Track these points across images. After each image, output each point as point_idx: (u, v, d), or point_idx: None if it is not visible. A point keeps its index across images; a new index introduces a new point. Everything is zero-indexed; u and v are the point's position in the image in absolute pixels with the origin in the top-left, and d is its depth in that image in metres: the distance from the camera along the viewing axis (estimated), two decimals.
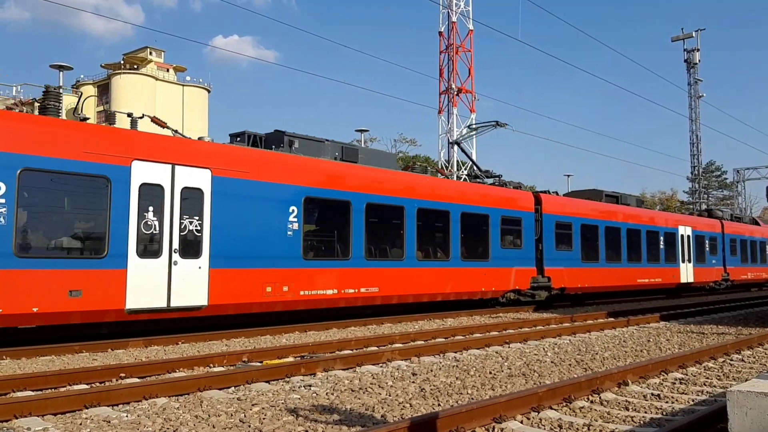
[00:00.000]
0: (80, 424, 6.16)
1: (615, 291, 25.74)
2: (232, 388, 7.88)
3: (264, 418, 6.34)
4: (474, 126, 34.45)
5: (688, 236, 30.19)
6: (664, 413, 6.67)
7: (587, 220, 24.00)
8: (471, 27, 42.80)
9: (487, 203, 19.81)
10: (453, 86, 42.67)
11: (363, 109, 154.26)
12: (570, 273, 22.76)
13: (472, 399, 7.30)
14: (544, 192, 23.48)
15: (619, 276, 25.14)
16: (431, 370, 9.08)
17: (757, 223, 40.52)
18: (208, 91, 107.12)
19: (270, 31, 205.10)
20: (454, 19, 42.32)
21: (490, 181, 22.50)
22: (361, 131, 36.95)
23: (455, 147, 42.41)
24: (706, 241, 31.98)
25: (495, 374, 8.88)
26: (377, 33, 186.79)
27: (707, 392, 7.74)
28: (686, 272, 29.58)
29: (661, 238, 28.09)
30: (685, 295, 30.80)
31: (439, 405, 6.98)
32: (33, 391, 7.62)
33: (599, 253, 24.31)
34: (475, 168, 23.16)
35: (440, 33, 43.32)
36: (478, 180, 23.20)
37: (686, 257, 29.65)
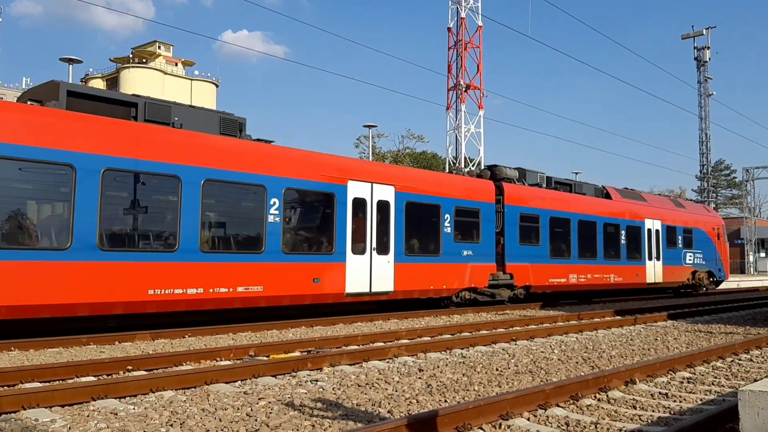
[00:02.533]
0: (87, 416, 6.18)
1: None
2: (239, 381, 7.88)
3: (270, 413, 6.34)
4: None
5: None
6: (672, 412, 6.63)
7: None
8: (480, 23, 42.69)
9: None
10: (461, 82, 42.60)
11: (371, 105, 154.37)
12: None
13: (479, 396, 7.28)
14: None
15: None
16: (438, 367, 9.07)
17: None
18: (217, 86, 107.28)
19: (280, 27, 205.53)
20: (463, 15, 42.22)
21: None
22: (369, 127, 36.89)
23: (463, 143, 42.40)
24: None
25: (502, 371, 8.86)
26: (386, 29, 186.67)
27: (716, 392, 7.70)
28: (653, 271, 27.04)
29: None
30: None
31: (445, 401, 6.96)
32: (41, 382, 7.65)
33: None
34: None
35: (449, 29, 43.24)
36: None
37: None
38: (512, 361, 9.74)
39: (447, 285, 18.07)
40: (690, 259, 29.48)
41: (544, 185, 23.29)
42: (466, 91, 42.80)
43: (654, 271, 26.70)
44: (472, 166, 45.45)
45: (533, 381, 8.24)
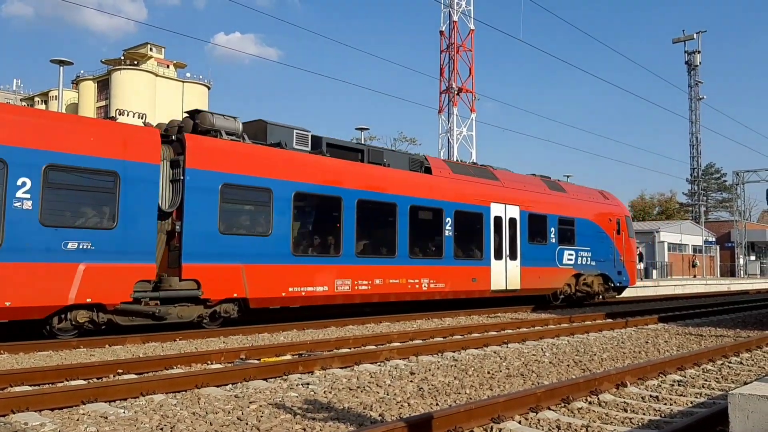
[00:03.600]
0: (77, 419, 6.14)
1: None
2: (230, 385, 7.85)
3: (261, 416, 6.32)
4: None
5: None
6: (663, 415, 6.65)
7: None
8: (472, 26, 42.83)
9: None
10: (453, 85, 42.68)
11: (364, 108, 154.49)
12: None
13: (471, 399, 7.28)
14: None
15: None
16: (429, 370, 9.07)
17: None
18: (209, 88, 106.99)
19: (272, 29, 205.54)
20: (455, 18, 42.32)
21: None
22: (362, 129, 36.91)
23: (455, 146, 42.44)
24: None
25: (493, 374, 8.87)
26: (379, 32, 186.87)
27: (706, 395, 7.73)
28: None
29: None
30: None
31: (437, 404, 6.96)
32: (30, 386, 7.60)
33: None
34: None
35: (441, 32, 43.34)
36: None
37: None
38: (504, 364, 9.75)
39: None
40: (570, 259, 22.54)
41: (306, 148, 15.90)
42: (458, 94, 42.88)
43: (505, 275, 19.96)
44: None
45: (525, 384, 8.24)
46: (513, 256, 20.34)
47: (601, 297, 24.91)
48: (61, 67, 20.24)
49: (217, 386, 7.73)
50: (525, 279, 20.68)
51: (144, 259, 12.16)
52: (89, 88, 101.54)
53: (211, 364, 9.43)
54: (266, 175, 14.20)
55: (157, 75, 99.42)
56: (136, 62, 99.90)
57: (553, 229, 21.98)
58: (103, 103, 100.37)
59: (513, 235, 20.48)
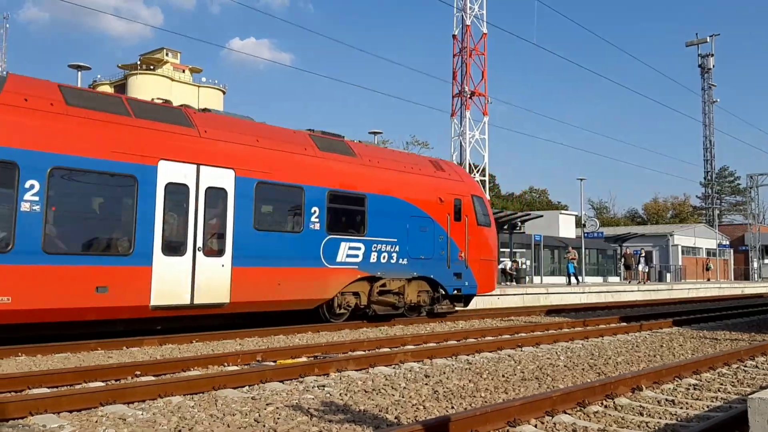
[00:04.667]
0: (96, 421, 6.21)
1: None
2: (247, 387, 7.91)
3: (278, 418, 6.37)
4: None
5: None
6: (679, 419, 6.64)
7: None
8: (485, 30, 42.82)
9: None
10: (466, 89, 42.72)
11: (376, 112, 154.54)
12: None
13: (486, 402, 7.30)
14: None
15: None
16: (444, 373, 9.09)
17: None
18: (224, 93, 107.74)
19: (286, 34, 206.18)
20: (468, 22, 42.35)
21: None
22: (375, 133, 36.93)
23: (468, 149, 42.45)
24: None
25: (508, 377, 8.87)
26: (391, 36, 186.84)
27: (722, 398, 7.70)
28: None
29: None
30: None
31: (452, 407, 6.98)
32: (49, 388, 7.68)
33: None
34: None
35: (454, 36, 43.38)
36: None
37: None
38: (518, 367, 9.75)
39: None
40: (354, 255, 15.20)
41: None
42: (470, 97, 42.93)
43: (191, 281, 12.40)
44: (477, 171, 45.52)
45: (540, 388, 8.25)
46: (215, 250, 12.79)
47: (423, 312, 17.23)
48: (79, 72, 20.45)
49: (234, 388, 7.79)
50: (241, 286, 12.94)
51: None
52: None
53: (228, 366, 9.49)
54: None
55: (173, 80, 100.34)
56: (152, 67, 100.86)
57: (316, 208, 14.33)
58: None
59: (217, 216, 13.00)
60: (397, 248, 16.15)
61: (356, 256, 15.29)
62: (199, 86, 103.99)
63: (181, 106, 14.00)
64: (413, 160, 17.89)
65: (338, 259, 14.92)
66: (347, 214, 15.45)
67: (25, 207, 10.46)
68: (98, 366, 8.72)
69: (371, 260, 15.59)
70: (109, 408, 6.67)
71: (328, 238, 14.71)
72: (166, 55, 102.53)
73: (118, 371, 8.47)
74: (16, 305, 10.30)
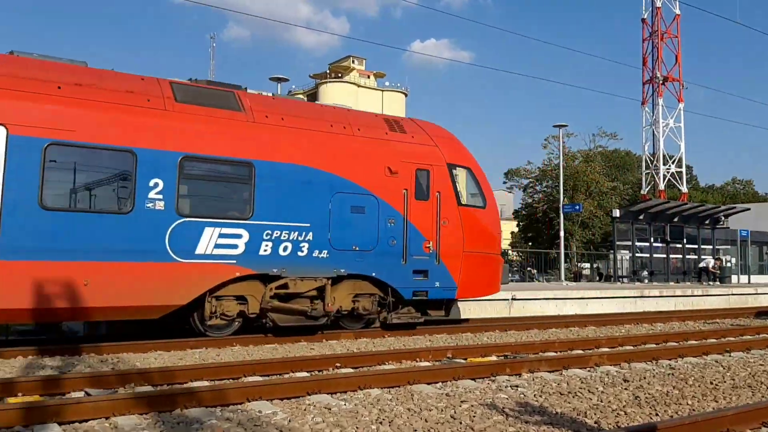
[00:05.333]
0: (304, 409, 6.65)
1: None
2: (440, 383, 8.05)
3: (474, 416, 6.42)
4: None
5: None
6: None
7: None
8: (677, 11, 40.03)
9: None
10: (658, 75, 40.22)
11: (560, 105, 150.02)
12: None
13: (693, 410, 6.84)
14: None
15: None
16: (644, 377, 8.63)
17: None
18: (405, 95, 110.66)
19: (466, 33, 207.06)
20: (658, 4, 39.82)
21: None
22: (560, 126, 35.92)
23: (661, 138, 39.88)
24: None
25: (717, 385, 8.24)
26: (573, 25, 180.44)
27: None
28: None
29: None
30: None
31: (656, 415, 6.62)
32: (261, 376, 8.36)
33: None
34: None
35: (643, 20, 41.02)
36: None
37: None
38: (727, 374, 9.01)
39: None
40: (229, 245, 11.05)
41: None
42: (663, 83, 40.38)
43: None
44: (672, 162, 42.56)
45: (753, 396, 7.58)
46: None
47: (376, 322, 13.24)
48: (279, 84, 22.03)
49: (428, 383, 7.96)
50: (13, 288, 9.34)
51: None
52: None
53: (420, 361, 9.73)
54: None
55: (358, 86, 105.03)
56: (340, 75, 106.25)
57: (157, 180, 10.46)
58: None
59: None
60: (309, 236, 11.72)
61: (234, 246, 11.06)
62: (383, 90, 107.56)
63: None
64: (347, 118, 12.90)
65: (199, 251, 10.74)
66: (219, 189, 11.58)
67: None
68: (303, 357, 9.36)
69: (261, 252, 11.29)
70: (315, 397, 7.11)
71: (179, 221, 10.60)
72: (353, 62, 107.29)
73: (321, 362, 9.00)
74: None
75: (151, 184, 10.42)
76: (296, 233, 11.62)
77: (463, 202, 13.49)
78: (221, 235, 10.94)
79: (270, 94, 12.75)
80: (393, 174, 12.63)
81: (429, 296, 12.98)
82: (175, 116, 10.81)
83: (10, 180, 9.39)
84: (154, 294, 10.42)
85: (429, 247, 12.92)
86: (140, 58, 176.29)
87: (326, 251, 11.93)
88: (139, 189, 10.32)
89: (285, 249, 11.52)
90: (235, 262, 11.05)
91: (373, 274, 12.40)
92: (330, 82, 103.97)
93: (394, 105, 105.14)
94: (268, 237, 11.36)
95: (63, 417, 5.91)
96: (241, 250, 11.11)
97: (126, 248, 10.13)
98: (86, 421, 5.98)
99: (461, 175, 13.78)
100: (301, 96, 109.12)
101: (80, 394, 7.17)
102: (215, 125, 11.09)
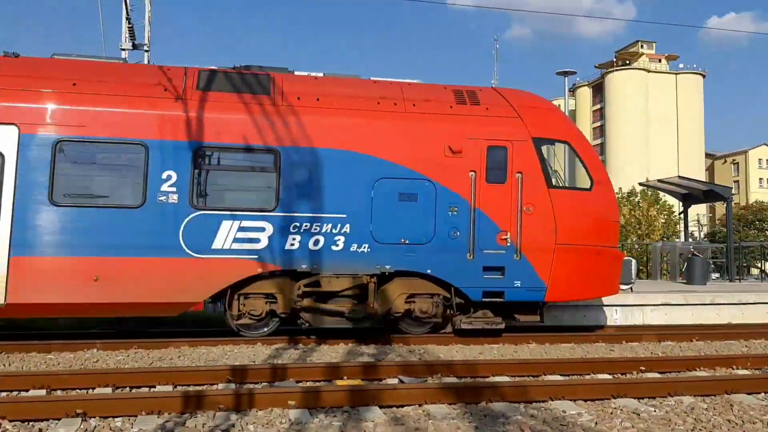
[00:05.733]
0: (611, 413, 6.43)
1: None
2: (762, 394, 7.24)
3: None
4: None
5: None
6: None
7: None
8: None
9: None
10: None
11: None
12: None
13: None
14: None
15: None
16: None
17: None
18: (703, 77, 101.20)
19: None
20: None
21: None
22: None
23: None
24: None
25: None
26: None
27: None
28: None
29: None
30: None
31: None
32: (560, 375, 8.29)
33: None
34: None
35: None
36: None
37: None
38: None
39: None
40: (250, 239, 10.28)
41: None
42: None
43: None
44: None
45: None
46: None
47: (446, 326, 11.75)
48: (566, 78, 21.65)
49: (749, 393, 7.21)
50: (24, 283, 9.55)
51: None
52: (585, 94, 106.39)
53: (737, 369, 8.85)
54: None
55: (648, 71, 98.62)
56: (627, 62, 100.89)
57: (171, 172, 10.14)
58: (597, 106, 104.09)
59: None
60: (345, 228, 10.57)
61: (255, 240, 10.31)
62: (676, 74, 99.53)
63: None
64: (401, 93, 11.30)
65: (216, 246, 10.16)
66: (239, 180, 10.63)
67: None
68: (603, 358, 9.09)
69: (287, 247, 10.41)
70: (620, 401, 6.83)
71: (194, 214, 10.15)
72: (641, 47, 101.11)
73: (623, 365, 8.64)
74: None
75: (164, 176, 10.06)
76: (329, 225, 10.51)
77: (555, 184, 11.38)
78: (240, 229, 10.24)
79: (320, 75, 11.66)
80: (455, 154, 10.86)
81: (506, 298, 10.94)
82: (192, 105, 10.35)
83: (21, 176, 9.70)
84: (167, 291, 9.99)
85: (506, 239, 10.92)
86: (422, 67, 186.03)
87: (367, 245, 10.61)
88: (151, 182, 10.01)
89: (316, 243, 10.48)
90: (256, 257, 10.29)
91: (429, 272, 10.78)
92: (616, 70, 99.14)
93: (689, 90, 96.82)
94: (296, 230, 10.40)
95: (382, 401, 6.51)
96: (263, 244, 10.31)
97: (138, 243, 9.87)
98: (402, 406, 6.49)
99: (557, 150, 12.03)
100: (586, 88, 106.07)
101: (394, 381, 7.83)
102: (237, 112, 10.47)
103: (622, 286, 12.14)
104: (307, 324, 10.77)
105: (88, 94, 9.99)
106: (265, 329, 10.86)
